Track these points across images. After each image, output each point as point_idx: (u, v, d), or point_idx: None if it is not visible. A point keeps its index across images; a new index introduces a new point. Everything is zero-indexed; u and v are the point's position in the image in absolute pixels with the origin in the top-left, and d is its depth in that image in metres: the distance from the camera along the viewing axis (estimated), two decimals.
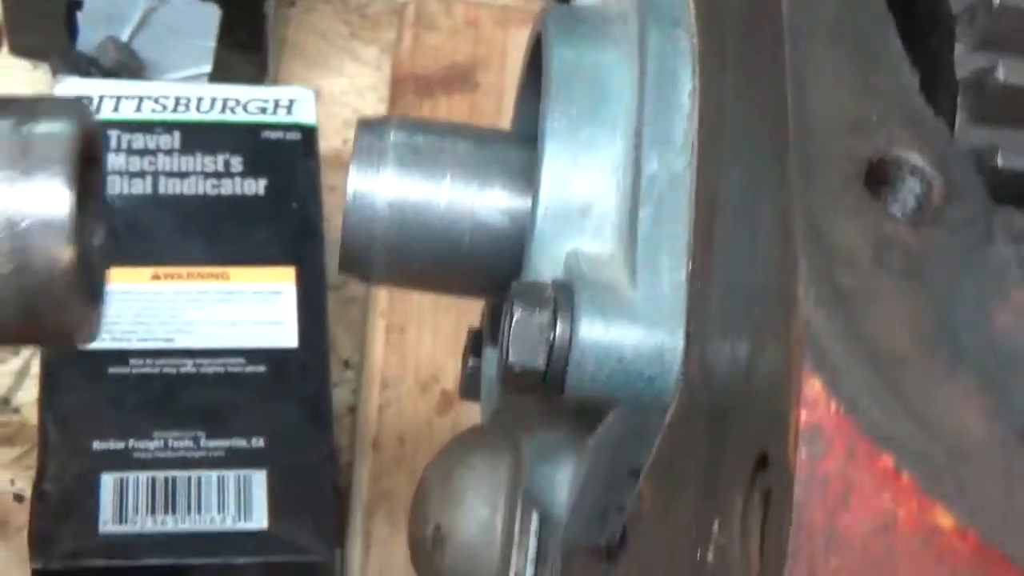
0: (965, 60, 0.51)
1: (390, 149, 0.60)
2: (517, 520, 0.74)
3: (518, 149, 0.61)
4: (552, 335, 0.53)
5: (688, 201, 0.54)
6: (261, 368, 1.00)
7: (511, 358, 0.53)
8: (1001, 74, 0.49)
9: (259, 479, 0.95)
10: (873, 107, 0.44)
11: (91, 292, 0.59)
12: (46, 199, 0.56)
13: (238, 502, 0.94)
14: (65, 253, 0.56)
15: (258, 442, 0.96)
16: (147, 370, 0.98)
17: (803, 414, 0.39)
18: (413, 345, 1.06)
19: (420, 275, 0.61)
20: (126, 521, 0.92)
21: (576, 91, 0.58)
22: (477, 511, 0.78)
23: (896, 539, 0.38)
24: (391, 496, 1.00)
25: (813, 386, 0.39)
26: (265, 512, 0.93)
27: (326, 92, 1.22)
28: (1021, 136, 0.49)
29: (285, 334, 1.01)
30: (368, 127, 0.61)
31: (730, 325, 0.47)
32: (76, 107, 0.59)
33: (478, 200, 0.59)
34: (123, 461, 0.94)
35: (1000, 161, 0.48)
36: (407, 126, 0.61)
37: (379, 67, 1.24)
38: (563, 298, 0.53)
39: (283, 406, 0.98)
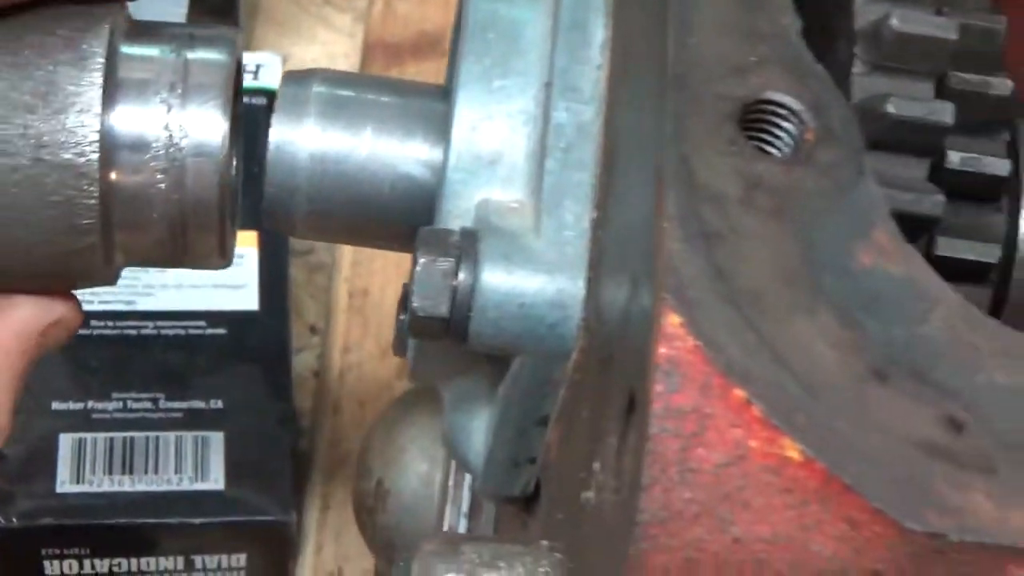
0: (864, 9, 0.51)
1: (312, 101, 0.61)
2: (451, 474, 0.75)
3: (442, 102, 0.61)
4: (455, 281, 0.53)
5: (595, 151, 0.55)
6: (221, 331, 1.01)
7: (415, 304, 0.53)
8: (895, 22, 0.49)
9: (217, 441, 0.96)
10: (753, 50, 0.45)
11: (231, 216, 0.61)
12: (205, 124, 0.58)
13: (195, 463, 0.94)
14: (217, 176, 0.58)
15: (217, 404, 0.97)
16: (107, 332, 0.99)
17: (661, 349, 0.39)
18: (375, 309, 1.07)
19: (342, 227, 0.62)
20: (83, 481, 0.93)
21: (490, 43, 0.58)
22: (417, 466, 0.78)
23: (747, 471, 0.39)
24: (349, 459, 1.00)
25: (672, 321, 0.40)
26: (222, 473, 0.94)
27: (298, 59, 1.22)
28: (913, 84, 0.49)
29: (246, 297, 1.02)
30: (292, 79, 0.62)
31: (618, 269, 0.48)
32: (230, 37, 0.61)
33: (399, 151, 0.60)
34: (82, 422, 0.95)
35: (891, 108, 0.49)
36: (331, 79, 0.62)
37: (352, 34, 1.25)
38: (468, 245, 0.54)
39: (243, 369, 0.99)
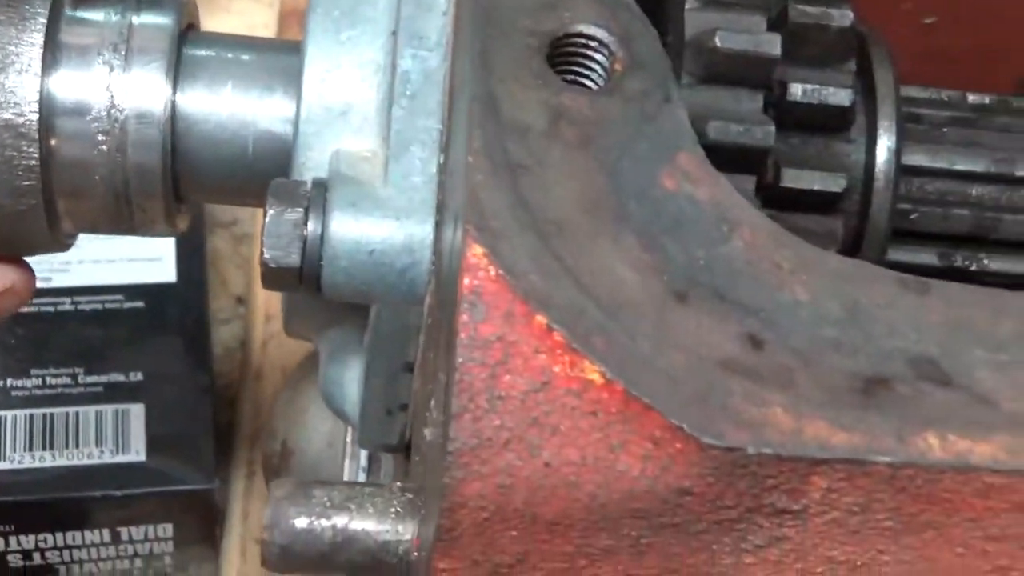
0: None
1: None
2: (348, 430, 0.76)
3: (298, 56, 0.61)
4: (305, 231, 0.54)
5: (441, 97, 0.55)
6: (139, 304, 1.01)
7: (266, 255, 0.54)
8: None
9: (137, 412, 0.96)
10: None
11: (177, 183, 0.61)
12: (147, 89, 0.58)
13: (116, 436, 0.95)
14: (159, 141, 0.58)
15: (136, 376, 0.97)
16: (25, 308, 0.99)
17: (465, 280, 0.40)
18: None
19: (212, 187, 0.62)
20: (4, 459, 0.93)
21: None
22: (319, 425, 0.79)
23: (552, 395, 0.39)
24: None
25: (475, 252, 0.40)
26: (144, 445, 0.94)
27: (216, 30, 1.22)
28: (744, 17, 0.50)
29: (163, 269, 1.02)
30: None
31: (451, 209, 0.48)
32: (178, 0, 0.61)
33: (259, 108, 0.60)
34: (1, 399, 0.95)
35: (719, 41, 0.49)
36: (195, 41, 0.62)
37: (270, 4, 1.24)
38: (317, 195, 0.54)
39: (162, 341, 0.99)
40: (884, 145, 0.59)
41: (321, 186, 0.55)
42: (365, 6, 0.58)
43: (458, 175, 0.44)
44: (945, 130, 0.65)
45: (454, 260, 0.43)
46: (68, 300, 1.00)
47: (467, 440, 0.39)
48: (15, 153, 0.58)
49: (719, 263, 0.40)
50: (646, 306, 0.40)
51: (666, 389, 0.38)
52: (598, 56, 0.44)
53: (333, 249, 0.54)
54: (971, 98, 0.67)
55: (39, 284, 0.99)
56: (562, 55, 0.44)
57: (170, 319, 1.00)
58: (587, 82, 0.44)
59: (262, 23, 1.23)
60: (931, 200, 0.62)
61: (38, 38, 0.58)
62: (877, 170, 0.59)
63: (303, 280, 0.54)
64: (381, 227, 0.54)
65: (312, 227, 0.53)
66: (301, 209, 0.54)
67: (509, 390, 0.39)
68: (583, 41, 0.44)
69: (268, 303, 1.07)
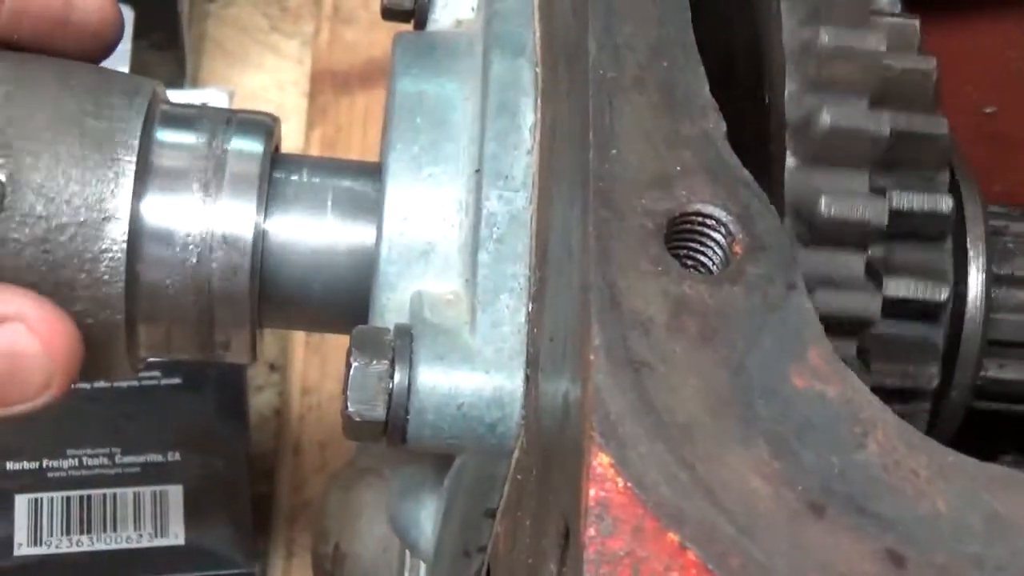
0: (796, 102, 0.50)
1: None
2: None
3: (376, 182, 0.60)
4: (391, 384, 0.52)
5: (529, 240, 0.54)
6: (176, 380, 0.99)
7: (350, 408, 0.52)
8: (827, 116, 0.48)
9: (175, 494, 0.94)
10: (677, 159, 0.43)
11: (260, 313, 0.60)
12: (237, 217, 0.57)
13: (154, 518, 0.93)
14: (247, 271, 0.57)
15: (174, 456, 0.96)
16: None
17: (592, 491, 0.38)
18: (333, 349, 1.05)
19: (296, 315, 0.60)
20: (41, 543, 0.92)
21: (419, 128, 0.57)
22: (375, 529, 0.77)
23: None
24: (312, 504, 0.99)
25: (601, 461, 0.38)
26: (182, 527, 0.93)
27: (247, 88, 1.20)
28: (845, 179, 0.48)
29: None
30: None
31: (553, 373, 0.47)
32: (266, 123, 0.60)
33: (348, 236, 0.58)
34: (37, 481, 0.94)
35: (823, 207, 0.48)
36: (284, 165, 0.59)
37: (300, 61, 1.23)
38: (402, 345, 0.53)
39: (199, 418, 0.98)
40: (974, 256, 0.58)
41: (406, 334, 0.53)
42: (447, 142, 0.57)
43: (571, 345, 0.43)
44: None
45: (569, 448, 0.41)
46: None
47: None
48: (101, 280, 0.56)
49: (854, 471, 0.39)
50: (781, 521, 0.38)
51: None
52: (717, 236, 0.42)
53: (420, 403, 0.52)
54: None
55: None
56: (679, 235, 0.42)
57: (207, 396, 0.99)
58: (706, 263, 0.42)
59: (292, 80, 1.22)
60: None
61: (130, 159, 0.56)
62: (969, 281, 0.58)
63: (388, 433, 0.52)
64: (470, 380, 0.52)
65: (398, 380, 0.52)
66: (387, 361, 0.52)
67: None
68: (701, 220, 0.42)
69: (305, 374, 1.06)
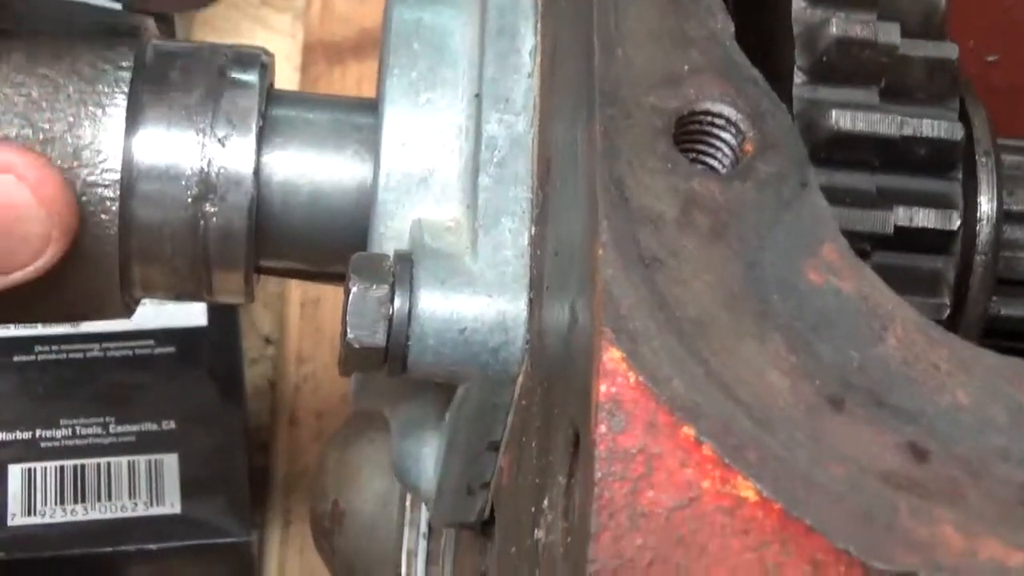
0: (802, 15, 0.49)
1: None
2: (408, 496, 0.73)
3: (372, 116, 0.59)
4: (391, 309, 0.51)
5: (530, 163, 0.52)
6: (171, 348, 0.98)
7: (349, 334, 0.51)
8: (834, 27, 0.47)
9: (171, 462, 0.93)
10: (684, 58, 0.42)
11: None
12: (236, 154, 0.56)
13: (150, 487, 0.92)
14: (246, 210, 0.56)
15: (169, 424, 0.94)
16: (53, 356, 0.96)
17: (602, 387, 0.37)
18: (328, 319, 1.04)
19: (295, 253, 0.58)
20: (35, 512, 0.90)
21: (416, 54, 0.56)
22: (374, 485, 0.76)
23: (700, 513, 0.36)
24: (309, 473, 0.98)
25: (612, 356, 0.37)
26: (178, 495, 0.92)
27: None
28: (855, 93, 0.47)
29: (194, 313, 0.99)
30: None
31: (559, 289, 0.45)
32: (262, 58, 0.59)
33: (346, 171, 0.56)
34: (31, 451, 0.92)
35: (833, 119, 0.46)
36: (279, 100, 0.58)
37: (293, 34, 1.21)
38: (402, 270, 0.51)
39: (194, 386, 0.96)
40: (985, 187, 0.57)
41: (406, 260, 0.52)
42: (445, 67, 0.55)
43: (577, 258, 0.41)
44: None
45: (578, 354, 0.40)
46: (97, 346, 0.97)
47: (607, 561, 0.37)
48: (93, 212, 0.55)
49: (874, 365, 0.38)
50: (799, 414, 0.37)
51: (828, 508, 0.35)
52: (726, 135, 0.41)
53: (421, 328, 0.51)
54: None
55: (67, 330, 0.97)
56: (688, 134, 0.41)
57: (202, 364, 0.97)
58: (716, 163, 0.41)
59: (284, 55, 1.20)
60: None
61: (121, 95, 0.55)
62: (980, 212, 0.56)
63: (388, 360, 0.51)
64: (472, 304, 0.51)
65: (399, 305, 0.51)
66: (386, 286, 0.51)
67: (653, 507, 0.37)
68: (710, 119, 0.41)
69: (300, 345, 1.05)
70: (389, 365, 0.51)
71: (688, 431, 0.36)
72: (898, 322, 0.38)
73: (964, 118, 0.59)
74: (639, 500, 0.37)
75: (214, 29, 1.21)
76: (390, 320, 0.51)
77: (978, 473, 0.36)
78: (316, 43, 1.17)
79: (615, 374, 0.37)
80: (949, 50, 0.54)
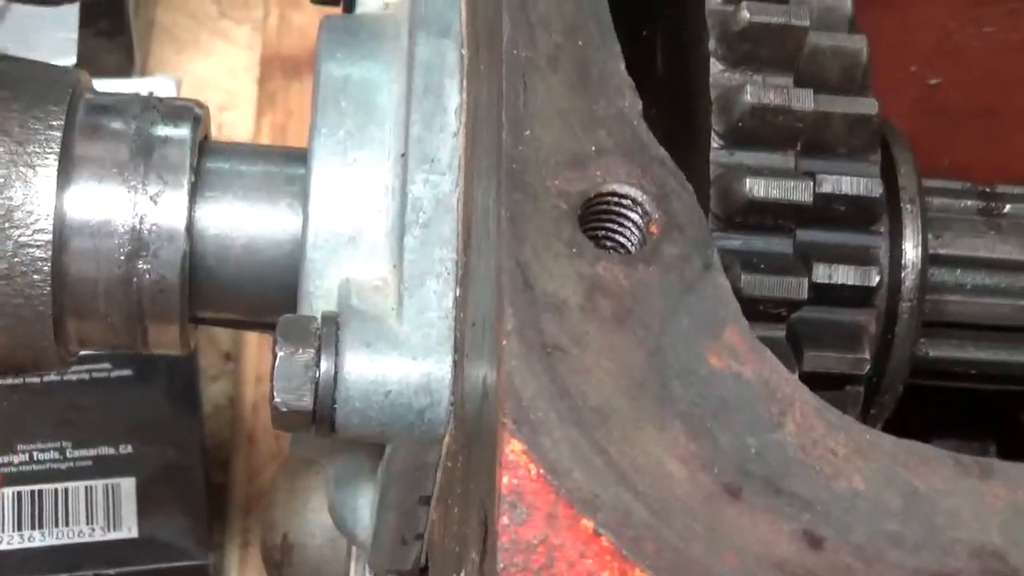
0: (719, 79, 0.49)
1: None
2: None
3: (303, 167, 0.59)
4: (317, 373, 0.51)
5: (455, 224, 0.53)
6: (127, 371, 0.98)
7: (276, 398, 0.51)
8: (749, 94, 0.47)
9: (128, 486, 0.93)
10: (592, 139, 0.43)
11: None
12: (168, 208, 0.56)
13: (107, 512, 0.92)
14: (179, 263, 0.56)
15: (126, 448, 0.95)
16: (10, 380, 0.97)
17: (504, 478, 0.38)
18: None
19: (227, 306, 0.59)
20: None
21: (344, 112, 0.56)
22: (321, 519, 0.76)
23: None
24: (267, 492, 0.98)
25: (514, 448, 0.38)
26: (135, 519, 0.92)
27: (197, 75, 1.19)
28: (771, 157, 0.48)
29: None
30: None
31: (475, 359, 0.46)
32: (195, 111, 0.59)
33: (278, 225, 0.57)
34: None
35: (748, 187, 0.47)
36: (212, 154, 0.58)
37: (251, 46, 1.22)
38: (328, 333, 0.52)
39: (152, 407, 0.97)
40: (910, 234, 0.58)
41: (332, 322, 0.52)
42: (372, 126, 0.56)
43: (488, 330, 0.42)
44: (969, 219, 0.64)
45: (484, 434, 0.41)
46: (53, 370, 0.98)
47: None
48: (26, 272, 0.55)
49: (772, 451, 0.38)
50: (697, 504, 0.37)
51: None
52: (633, 216, 0.42)
53: (347, 391, 0.51)
54: (985, 188, 0.65)
55: None
56: (595, 214, 0.42)
57: (159, 387, 0.98)
58: (624, 241, 0.42)
59: (242, 66, 1.21)
60: (961, 290, 0.61)
61: (52, 155, 0.55)
62: (905, 259, 0.57)
63: (316, 422, 0.52)
64: (397, 367, 0.51)
65: (325, 368, 0.51)
66: (312, 349, 0.51)
67: None
68: (616, 200, 0.42)
69: (259, 362, 1.05)
70: (317, 427, 0.52)
71: (587, 523, 0.37)
72: (797, 407, 0.39)
73: (889, 165, 0.59)
74: None
75: (173, 40, 1.22)
76: (316, 384, 0.51)
77: (871, 560, 0.37)
78: (274, 56, 1.17)
79: (516, 466, 0.38)
80: (868, 106, 0.54)
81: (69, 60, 1.14)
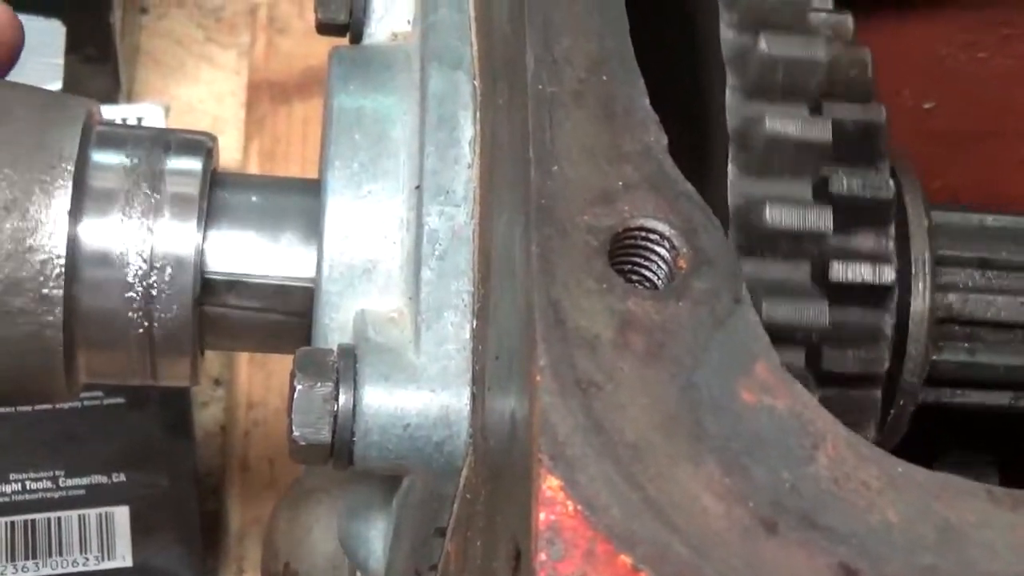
0: (736, 109, 0.50)
1: None
2: None
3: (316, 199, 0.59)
4: (335, 406, 0.51)
5: (471, 256, 0.53)
6: (119, 399, 0.98)
7: (295, 432, 0.51)
8: (767, 124, 0.48)
9: (122, 515, 0.93)
10: (618, 174, 0.43)
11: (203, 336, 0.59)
12: (178, 239, 0.56)
13: (101, 541, 0.92)
14: (190, 295, 0.56)
15: (119, 477, 0.95)
16: (2, 409, 0.96)
17: (541, 515, 0.38)
18: (278, 363, 1.04)
19: (239, 337, 0.59)
20: None
21: (357, 144, 0.56)
22: (325, 547, 0.76)
23: None
24: (262, 520, 0.98)
25: (551, 484, 0.38)
26: (129, 548, 0.92)
27: (184, 100, 1.19)
28: (788, 187, 0.48)
29: None
30: None
31: (500, 392, 0.46)
32: (205, 143, 0.59)
33: (291, 257, 0.57)
34: None
35: (768, 216, 0.47)
36: (223, 185, 0.58)
37: (237, 71, 1.22)
38: (346, 366, 0.52)
39: (143, 437, 0.97)
40: (919, 241, 0.58)
41: (350, 355, 0.52)
42: (386, 158, 0.56)
43: (516, 361, 0.42)
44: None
45: (518, 467, 0.41)
46: None
47: None
48: (38, 304, 0.55)
49: (806, 485, 0.39)
50: (734, 539, 0.38)
51: None
52: (661, 251, 0.42)
53: (366, 424, 0.51)
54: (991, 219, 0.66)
55: None
56: (623, 249, 0.42)
57: (152, 414, 0.98)
58: (652, 276, 0.42)
59: (229, 91, 1.21)
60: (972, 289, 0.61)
61: (65, 184, 0.55)
62: (914, 265, 0.58)
63: (334, 455, 0.52)
64: (416, 400, 0.51)
65: (343, 401, 0.51)
66: (331, 383, 0.51)
67: None
68: (644, 235, 0.42)
69: (250, 389, 1.05)
70: (335, 460, 0.52)
71: (626, 559, 0.37)
72: (829, 440, 0.39)
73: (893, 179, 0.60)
74: None
75: (159, 65, 1.22)
76: (335, 417, 0.51)
77: None
78: (261, 81, 1.17)
79: (553, 502, 0.38)
80: (877, 113, 0.55)
81: (55, 86, 1.14)
